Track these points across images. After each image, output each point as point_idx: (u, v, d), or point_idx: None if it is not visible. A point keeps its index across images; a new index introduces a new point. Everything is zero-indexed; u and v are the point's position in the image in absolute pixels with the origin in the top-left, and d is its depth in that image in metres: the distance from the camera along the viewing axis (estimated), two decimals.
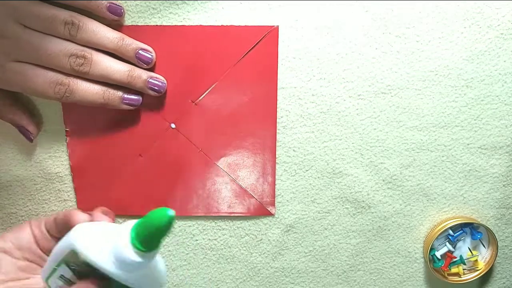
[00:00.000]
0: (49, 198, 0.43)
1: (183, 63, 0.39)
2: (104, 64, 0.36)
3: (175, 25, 0.39)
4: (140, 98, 0.39)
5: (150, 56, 0.38)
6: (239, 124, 0.41)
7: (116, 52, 0.36)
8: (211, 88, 0.40)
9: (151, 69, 0.39)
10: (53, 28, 0.34)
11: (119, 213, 0.43)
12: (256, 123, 0.41)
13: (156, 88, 0.38)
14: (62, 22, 0.34)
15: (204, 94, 0.40)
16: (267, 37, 0.39)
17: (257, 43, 0.39)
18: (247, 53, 0.39)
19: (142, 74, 0.37)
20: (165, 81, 0.39)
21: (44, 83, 0.35)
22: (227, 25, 0.39)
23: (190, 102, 0.40)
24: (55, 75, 0.35)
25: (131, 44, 0.37)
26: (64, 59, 0.35)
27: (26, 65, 0.35)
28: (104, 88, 0.37)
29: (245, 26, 0.39)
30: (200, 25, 0.39)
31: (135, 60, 0.37)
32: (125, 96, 0.38)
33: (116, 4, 0.36)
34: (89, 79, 0.36)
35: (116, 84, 0.37)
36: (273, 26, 0.39)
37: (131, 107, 0.38)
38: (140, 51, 0.37)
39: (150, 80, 0.38)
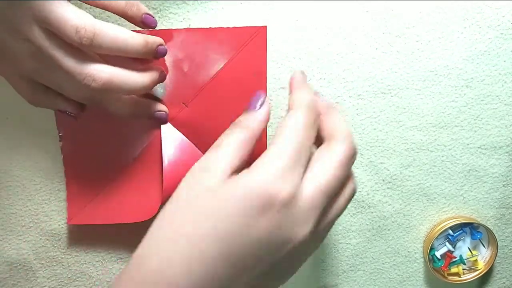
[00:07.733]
0: (49, 198, 0.43)
1: (173, 66, 0.39)
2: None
3: (163, 29, 0.38)
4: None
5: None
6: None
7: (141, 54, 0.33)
8: (202, 90, 0.40)
9: None
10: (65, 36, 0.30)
11: (112, 219, 0.41)
12: None
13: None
14: (73, 28, 0.30)
15: (195, 97, 0.40)
16: (255, 38, 0.39)
17: (246, 44, 0.39)
18: (236, 54, 0.39)
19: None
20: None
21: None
22: (215, 27, 0.39)
23: (181, 104, 0.40)
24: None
25: (156, 42, 0.34)
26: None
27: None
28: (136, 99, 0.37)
29: (233, 27, 0.39)
30: (189, 28, 0.39)
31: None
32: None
33: (151, 15, 0.34)
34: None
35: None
36: (261, 26, 0.39)
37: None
38: (160, 47, 0.35)
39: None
